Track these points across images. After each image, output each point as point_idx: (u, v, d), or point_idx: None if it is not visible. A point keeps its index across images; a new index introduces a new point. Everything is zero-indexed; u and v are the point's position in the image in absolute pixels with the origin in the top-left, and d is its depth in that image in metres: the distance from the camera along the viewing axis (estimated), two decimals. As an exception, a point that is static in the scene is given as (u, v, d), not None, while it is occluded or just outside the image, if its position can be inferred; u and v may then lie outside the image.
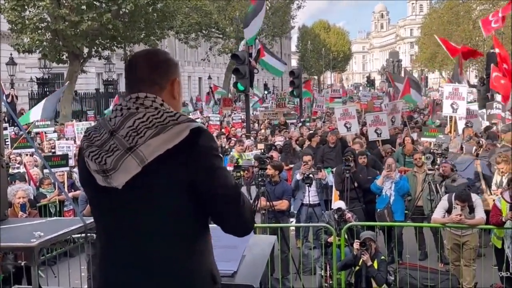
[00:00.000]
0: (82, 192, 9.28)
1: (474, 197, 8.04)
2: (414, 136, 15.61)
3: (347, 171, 9.25)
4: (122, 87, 39.41)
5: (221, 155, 2.34)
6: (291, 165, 12.11)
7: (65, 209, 10.46)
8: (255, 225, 4.96)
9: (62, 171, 10.62)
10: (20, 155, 13.19)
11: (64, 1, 23.71)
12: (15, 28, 24.02)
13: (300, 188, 9.55)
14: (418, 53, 74.55)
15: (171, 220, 2.17)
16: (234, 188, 2.24)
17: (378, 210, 9.52)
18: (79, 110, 32.04)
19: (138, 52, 2.42)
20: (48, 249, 4.21)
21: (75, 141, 15.17)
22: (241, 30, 38.20)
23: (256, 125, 23.38)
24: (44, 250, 3.70)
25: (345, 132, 14.26)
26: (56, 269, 7.90)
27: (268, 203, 8.27)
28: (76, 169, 12.01)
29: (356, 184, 9.46)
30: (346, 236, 7.69)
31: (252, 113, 26.80)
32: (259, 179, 8.23)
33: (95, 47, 26.98)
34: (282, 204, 8.67)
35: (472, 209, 7.79)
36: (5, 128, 14.45)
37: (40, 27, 24.44)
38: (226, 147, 15.72)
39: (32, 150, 12.60)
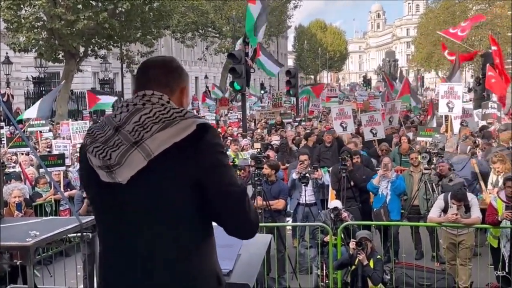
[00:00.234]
0: (78, 191, 9.28)
1: (470, 196, 8.07)
2: (410, 135, 15.65)
3: (344, 171, 9.26)
4: (118, 86, 39.40)
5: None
6: (288, 165, 12.11)
7: (61, 208, 10.43)
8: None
9: (58, 171, 10.60)
10: (15, 154, 13.16)
11: (60, 0, 23.67)
12: (11, 27, 23.97)
13: (296, 187, 9.56)
14: (415, 53, 74.76)
15: (176, 217, 2.14)
16: (240, 187, 2.22)
17: (375, 209, 9.53)
18: (75, 109, 31.96)
19: (153, 57, 2.45)
20: (44, 248, 4.21)
21: (71, 141, 15.15)
22: (238, 30, 38.25)
23: (252, 124, 23.38)
24: (40, 249, 3.70)
25: (341, 132, 14.28)
26: (52, 268, 7.87)
27: (264, 202, 8.28)
28: (71, 168, 12.01)
29: (352, 183, 9.46)
30: (342, 236, 7.69)
31: (249, 113, 26.81)
32: (256, 179, 8.23)
33: (91, 46, 26.95)
34: (278, 204, 8.67)
35: (468, 209, 7.81)
36: (1, 127, 14.42)
37: (36, 26, 24.40)
38: (223, 146, 15.69)
39: (28, 149, 12.57)
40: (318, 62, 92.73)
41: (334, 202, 8.44)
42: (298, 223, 9.41)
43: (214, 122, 21.54)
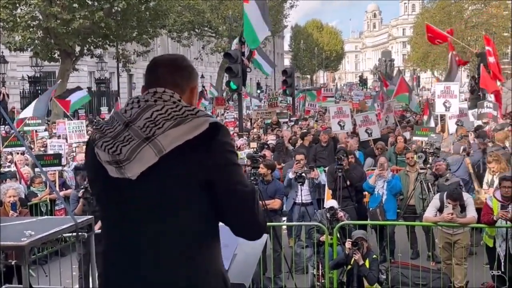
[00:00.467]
0: (73, 191, 9.26)
1: (466, 196, 8.08)
2: (407, 135, 15.66)
3: (340, 170, 9.26)
4: (114, 85, 39.31)
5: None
6: (283, 164, 12.11)
7: (56, 208, 10.41)
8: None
9: (54, 170, 10.57)
10: (11, 153, 13.12)
11: (56, -1, 23.63)
12: (7, 26, 23.90)
13: (292, 187, 9.56)
14: (411, 53, 74.78)
15: (185, 215, 2.13)
16: (249, 187, 2.21)
17: (371, 209, 9.55)
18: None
19: (163, 55, 2.43)
20: (39, 248, 4.19)
21: (66, 140, 15.12)
22: (234, 29, 38.28)
23: (248, 124, 23.39)
24: (35, 249, 3.69)
25: (339, 130, 14.29)
26: (47, 268, 7.86)
27: (260, 202, 8.27)
28: (66, 168, 11.99)
29: (348, 183, 9.47)
30: (338, 235, 7.70)
31: (246, 112, 26.82)
32: (252, 178, 8.22)
33: (87, 45, 26.92)
34: (274, 203, 8.67)
35: (463, 208, 7.83)
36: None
37: (31, 25, 24.35)
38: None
39: (23, 148, 12.54)
40: (314, 61, 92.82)
41: (330, 202, 8.45)
42: (294, 223, 9.41)
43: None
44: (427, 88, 63.26)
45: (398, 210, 9.70)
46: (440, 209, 7.94)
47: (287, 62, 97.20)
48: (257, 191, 2.27)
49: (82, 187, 8.52)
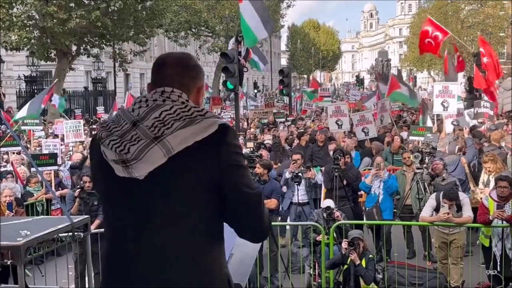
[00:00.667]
0: (69, 191, 9.25)
1: (462, 195, 8.10)
2: (404, 135, 15.68)
3: (336, 170, 9.27)
4: (111, 85, 39.26)
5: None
6: (280, 164, 12.11)
7: (53, 207, 10.39)
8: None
9: (50, 170, 10.55)
10: (7, 153, 13.09)
11: (53, -2, 23.57)
12: (3, 25, 23.81)
13: (289, 186, 9.56)
14: (407, 53, 74.93)
15: (192, 216, 2.12)
16: (256, 189, 2.22)
17: (367, 208, 9.55)
18: (67, 108, 31.82)
19: (171, 53, 2.42)
20: (36, 248, 4.18)
21: (62, 140, 15.11)
22: (231, 29, 38.25)
23: (245, 123, 23.37)
24: (31, 249, 3.68)
25: (336, 129, 14.30)
26: (43, 268, 7.85)
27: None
28: (62, 168, 11.96)
29: (345, 183, 9.48)
30: (334, 235, 7.70)
31: (243, 112, 26.80)
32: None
33: (84, 45, 26.84)
34: (270, 203, 8.66)
35: (459, 208, 7.84)
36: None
37: (28, 24, 24.28)
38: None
39: (19, 148, 12.51)
40: (311, 61, 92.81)
41: (326, 202, 8.45)
42: (291, 223, 9.42)
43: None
44: (424, 88, 63.33)
45: (395, 210, 9.71)
46: (437, 209, 7.96)
47: (284, 61, 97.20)
48: (263, 194, 2.27)
49: (78, 186, 8.52)
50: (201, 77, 2.35)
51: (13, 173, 10.69)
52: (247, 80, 57.28)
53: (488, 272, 7.67)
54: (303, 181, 9.47)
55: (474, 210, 7.96)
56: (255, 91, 54.16)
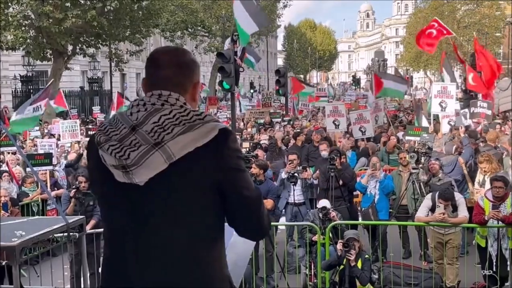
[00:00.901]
0: (65, 191, 9.23)
1: (457, 195, 8.11)
2: (400, 135, 15.69)
3: (332, 170, 9.27)
4: (107, 85, 39.18)
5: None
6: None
7: (48, 208, 10.37)
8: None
9: (46, 170, 10.53)
10: (2, 153, 13.05)
11: (48, -2, 23.52)
12: (-2, 25, 23.78)
13: (285, 187, 9.56)
14: (403, 53, 75.05)
15: (192, 216, 2.13)
16: (257, 191, 2.24)
17: (363, 209, 9.56)
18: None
19: (164, 48, 2.36)
20: (31, 248, 4.17)
21: (58, 139, 15.08)
22: (227, 29, 38.24)
23: (242, 124, 23.37)
24: (26, 249, 3.67)
25: (333, 129, 14.30)
26: (38, 268, 7.83)
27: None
28: (58, 167, 11.93)
29: (341, 183, 9.49)
30: (330, 235, 7.71)
31: (240, 112, 26.79)
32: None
33: (80, 45, 26.81)
34: (266, 203, 8.65)
35: (455, 208, 7.86)
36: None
37: (23, 24, 24.24)
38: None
39: (14, 148, 12.47)
40: (307, 61, 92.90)
41: (322, 202, 8.45)
42: (287, 223, 9.42)
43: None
44: (420, 88, 63.44)
45: (391, 210, 9.72)
46: (432, 209, 7.97)
47: (280, 61, 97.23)
48: (262, 195, 2.30)
49: (73, 187, 8.50)
50: (196, 72, 2.32)
51: (9, 173, 10.67)
52: (244, 80, 57.28)
53: (483, 272, 7.68)
54: (299, 181, 9.47)
55: (471, 210, 7.98)
56: (252, 91, 54.12)
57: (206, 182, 2.11)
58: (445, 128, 14.32)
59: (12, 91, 31.98)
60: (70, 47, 26.63)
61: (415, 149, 10.38)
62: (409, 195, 9.45)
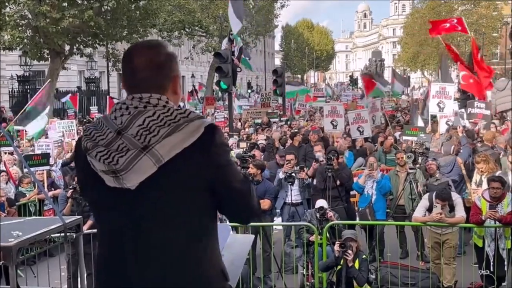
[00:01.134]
0: (62, 191, 9.21)
1: (455, 196, 8.12)
2: (397, 135, 15.71)
3: (330, 170, 9.28)
4: (104, 85, 39.14)
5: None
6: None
7: (45, 208, 10.35)
8: (236, 224, 4.96)
9: (43, 170, 10.51)
10: (-1, 153, 13.02)
11: (45, -2, 23.46)
12: (-5, 25, 23.71)
13: (282, 187, 9.56)
14: (401, 53, 75.19)
15: (185, 220, 2.14)
16: (246, 182, 2.29)
17: (360, 209, 9.56)
18: (60, 108, 31.71)
19: (137, 48, 2.29)
20: (28, 248, 4.16)
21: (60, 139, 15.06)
22: (225, 29, 38.17)
23: (239, 124, 23.36)
24: (23, 249, 3.66)
25: (331, 130, 14.31)
26: (35, 268, 7.82)
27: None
28: (54, 167, 11.90)
29: (338, 183, 9.49)
30: (328, 235, 7.71)
31: (238, 111, 26.77)
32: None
33: (77, 45, 26.73)
34: (264, 204, 8.66)
35: (452, 208, 7.87)
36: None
37: (20, 24, 24.16)
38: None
39: (11, 148, 12.44)
40: (305, 61, 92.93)
41: (319, 202, 8.46)
42: (284, 223, 9.42)
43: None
44: (417, 88, 63.53)
45: (388, 210, 9.73)
46: (429, 209, 7.98)
47: (277, 61, 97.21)
48: (250, 182, 2.38)
49: (70, 187, 8.48)
50: (174, 67, 2.27)
51: (6, 173, 10.65)
52: (241, 80, 57.26)
53: (480, 272, 7.70)
54: (296, 182, 9.47)
55: (469, 210, 7.99)
56: (249, 91, 54.14)
57: (195, 182, 2.12)
58: (442, 128, 14.33)
59: (9, 91, 31.92)
60: (67, 47, 26.57)
61: (413, 149, 10.39)
62: (406, 195, 9.45)
